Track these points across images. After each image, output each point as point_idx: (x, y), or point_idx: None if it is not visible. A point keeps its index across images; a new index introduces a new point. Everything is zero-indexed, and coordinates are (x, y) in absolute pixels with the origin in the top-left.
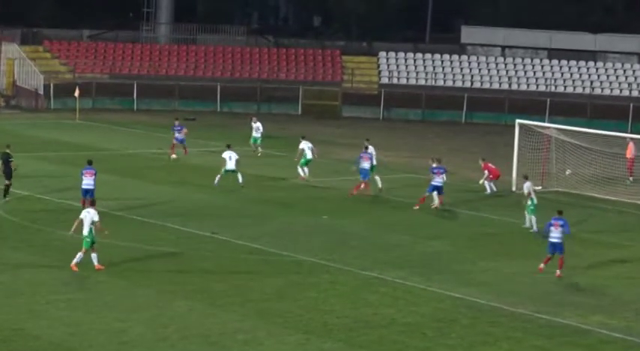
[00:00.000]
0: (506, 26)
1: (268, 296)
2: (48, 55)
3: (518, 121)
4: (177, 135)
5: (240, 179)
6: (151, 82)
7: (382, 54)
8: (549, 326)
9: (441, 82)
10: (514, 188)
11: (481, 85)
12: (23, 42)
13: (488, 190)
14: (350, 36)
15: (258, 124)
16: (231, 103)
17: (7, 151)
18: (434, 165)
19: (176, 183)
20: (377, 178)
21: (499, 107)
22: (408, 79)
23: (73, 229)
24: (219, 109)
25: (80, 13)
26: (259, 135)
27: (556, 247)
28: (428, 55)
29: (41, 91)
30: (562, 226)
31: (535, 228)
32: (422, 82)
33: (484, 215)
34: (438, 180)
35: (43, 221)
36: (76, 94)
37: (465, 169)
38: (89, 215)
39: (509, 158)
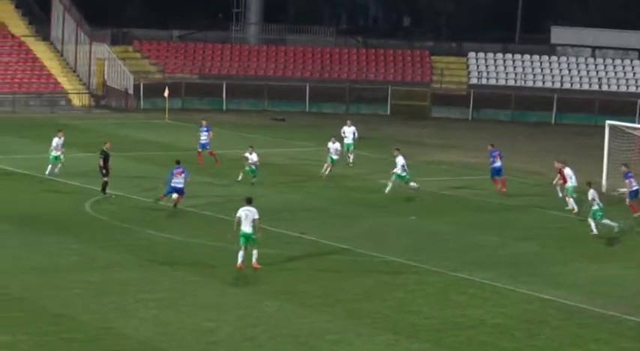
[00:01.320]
0: (596, 27)
1: (357, 297)
2: (138, 55)
3: (608, 122)
4: (202, 138)
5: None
6: (240, 83)
7: (471, 54)
8: (638, 328)
9: (530, 83)
10: (604, 190)
11: (571, 85)
12: (113, 42)
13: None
14: (439, 36)
15: (353, 128)
16: (320, 103)
17: (105, 148)
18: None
19: (264, 183)
20: (412, 184)
21: (589, 108)
22: (497, 79)
23: (234, 230)
24: (307, 109)
25: (169, 14)
26: (351, 141)
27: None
28: (517, 56)
29: (131, 91)
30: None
31: (615, 226)
32: (511, 82)
33: (571, 217)
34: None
35: (132, 220)
36: (166, 94)
37: (555, 171)
38: (250, 214)
39: (599, 160)
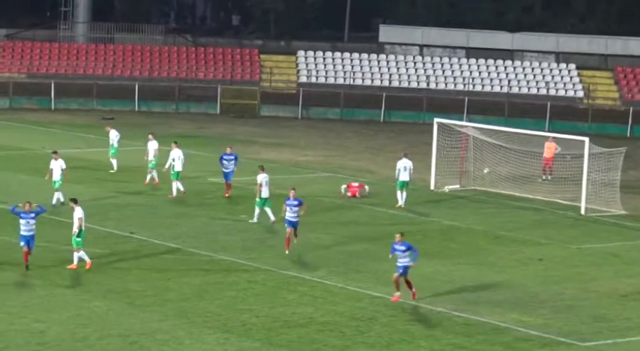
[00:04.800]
0: (424, 25)
1: (187, 296)
2: None
3: (436, 119)
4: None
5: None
6: (69, 82)
7: (301, 53)
8: (467, 324)
9: (359, 82)
10: (432, 187)
11: (399, 84)
12: None
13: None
14: (268, 35)
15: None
16: (149, 102)
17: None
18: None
19: (92, 182)
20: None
21: (418, 106)
22: (326, 78)
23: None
24: (137, 109)
25: None
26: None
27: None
28: (347, 54)
29: None
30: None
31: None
32: (340, 81)
33: (401, 214)
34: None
35: None
36: None
37: (384, 168)
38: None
39: (428, 157)
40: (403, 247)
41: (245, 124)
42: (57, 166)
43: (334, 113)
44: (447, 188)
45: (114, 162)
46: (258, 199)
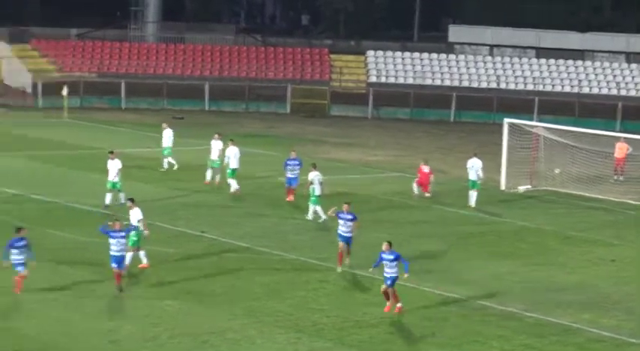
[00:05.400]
0: (493, 25)
1: (258, 295)
2: (36, 53)
3: (506, 120)
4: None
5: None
6: (138, 81)
7: (370, 53)
8: (539, 324)
9: (429, 81)
10: (503, 187)
11: (469, 83)
12: (11, 40)
13: (416, 192)
14: (338, 35)
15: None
16: (219, 101)
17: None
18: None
19: (167, 180)
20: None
21: (488, 106)
22: (396, 77)
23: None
24: (207, 108)
25: (68, 12)
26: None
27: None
28: (416, 54)
29: (29, 90)
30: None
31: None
32: (410, 80)
33: (471, 214)
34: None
35: (31, 220)
36: (64, 92)
37: (455, 168)
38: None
39: (498, 157)
40: (391, 256)
41: (315, 124)
42: (113, 166)
43: (404, 113)
44: (520, 188)
45: (166, 161)
46: (311, 197)
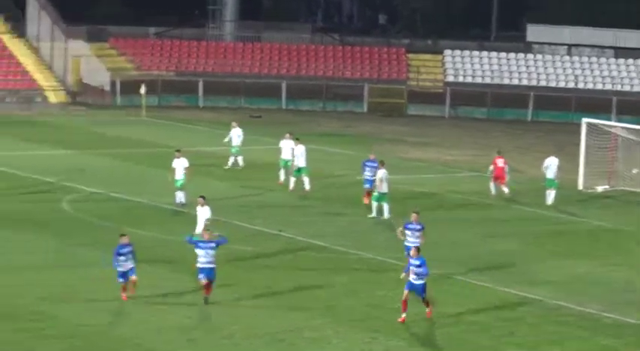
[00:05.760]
0: (572, 24)
1: (335, 294)
2: (114, 52)
3: (584, 119)
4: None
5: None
6: (216, 80)
7: (447, 52)
8: (616, 325)
9: (507, 81)
10: (581, 187)
11: (547, 83)
12: (89, 39)
13: (493, 192)
14: (415, 34)
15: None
16: (296, 100)
17: None
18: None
19: (242, 179)
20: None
21: (565, 106)
22: (473, 77)
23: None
24: (284, 107)
25: (145, 11)
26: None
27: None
28: (494, 53)
29: (107, 88)
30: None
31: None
32: (488, 80)
33: (549, 214)
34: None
35: (110, 218)
36: (142, 91)
37: (533, 168)
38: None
39: (576, 157)
40: (418, 262)
41: (392, 123)
42: (179, 164)
43: (481, 112)
44: (598, 188)
45: (232, 159)
46: (375, 194)
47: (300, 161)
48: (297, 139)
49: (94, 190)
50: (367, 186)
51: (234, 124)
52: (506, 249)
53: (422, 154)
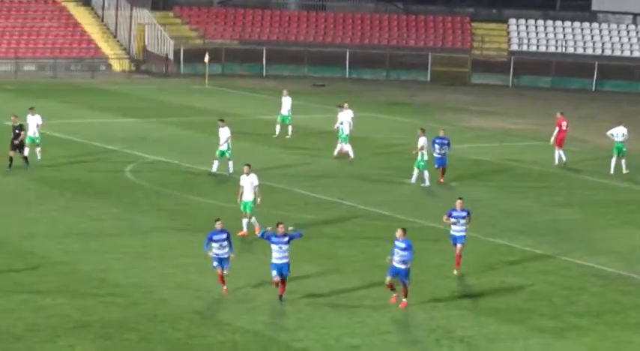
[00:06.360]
0: None
1: None
2: (178, 20)
3: None
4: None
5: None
6: (280, 48)
7: (512, 21)
8: None
9: (571, 50)
10: None
11: (612, 52)
12: (154, 8)
13: (557, 162)
14: (480, 3)
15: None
16: (360, 69)
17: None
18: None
19: (303, 148)
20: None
21: (630, 75)
22: (537, 46)
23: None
24: (347, 76)
25: None
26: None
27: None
28: (558, 22)
29: (171, 57)
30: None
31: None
32: (552, 49)
33: (612, 183)
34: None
35: (172, 186)
36: (206, 59)
37: (597, 137)
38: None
39: None
40: (404, 245)
41: (455, 92)
42: (223, 134)
43: (545, 82)
44: None
45: (278, 127)
46: (417, 161)
47: (346, 128)
48: (339, 106)
49: (157, 158)
50: (439, 165)
51: (285, 92)
52: (567, 218)
53: (485, 123)
